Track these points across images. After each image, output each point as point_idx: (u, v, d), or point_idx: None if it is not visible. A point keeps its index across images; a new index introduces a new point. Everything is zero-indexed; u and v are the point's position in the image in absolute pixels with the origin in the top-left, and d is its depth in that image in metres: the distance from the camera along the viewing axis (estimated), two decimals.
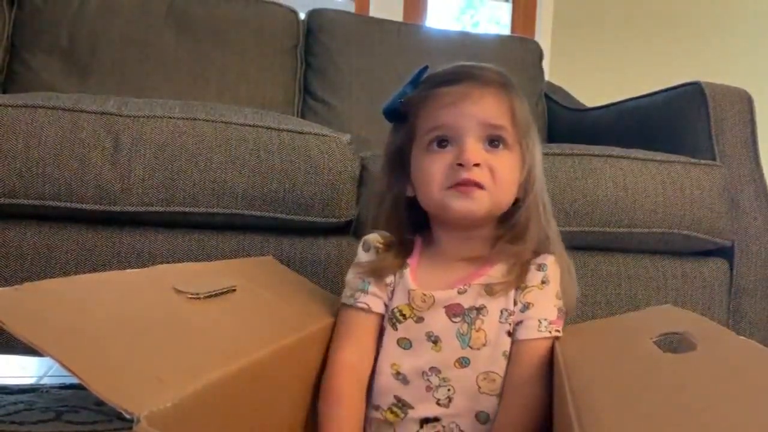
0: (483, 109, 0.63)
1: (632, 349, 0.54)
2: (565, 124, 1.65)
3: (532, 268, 0.64)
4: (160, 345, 0.46)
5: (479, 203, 0.63)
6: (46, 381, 1.14)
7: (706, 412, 0.36)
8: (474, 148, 0.63)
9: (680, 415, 0.36)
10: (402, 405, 0.63)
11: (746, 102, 1.18)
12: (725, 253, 1.11)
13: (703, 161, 1.09)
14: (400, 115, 0.69)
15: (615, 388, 0.44)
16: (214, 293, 0.59)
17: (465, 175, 0.62)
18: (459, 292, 0.64)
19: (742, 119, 1.17)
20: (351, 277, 0.69)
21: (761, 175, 1.16)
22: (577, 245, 1.04)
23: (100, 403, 0.96)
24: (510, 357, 0.62)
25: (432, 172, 0.64)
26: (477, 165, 0.62)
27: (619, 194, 1.01)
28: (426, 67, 0.69)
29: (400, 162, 0.70)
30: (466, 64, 0.67)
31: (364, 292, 0.67)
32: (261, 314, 0.63)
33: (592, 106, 1.58)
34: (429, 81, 0.67)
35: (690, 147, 1.16)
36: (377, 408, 0.65)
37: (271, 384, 0.54)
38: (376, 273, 0.68)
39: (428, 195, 0.65)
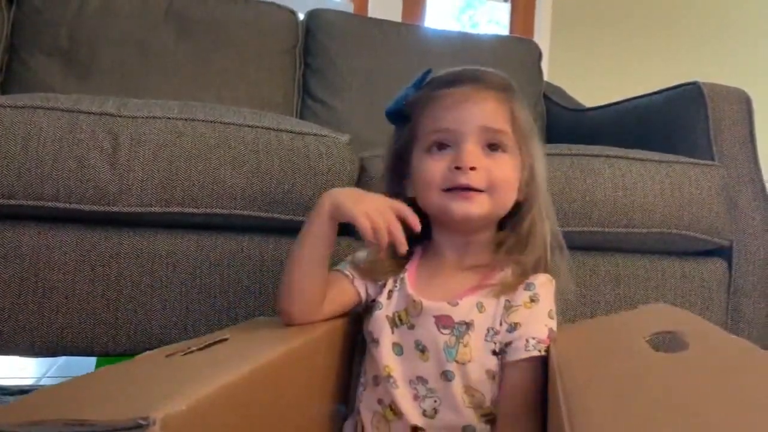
0: (483, 112, 0.64)
1: (625, 348, 0.54)
2: (564, 124, 1.65)
3: (520, 287, 0.63)
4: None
5: (479, 206, 0.63)
6: (45, 381, 1.14)
7: (699, 411, 0.36)
8: (472, 152, 0.63)
9: (672, 415, 0.36)
10: (394, 409, 0.63)
11: (745, 102, 1.18)
12: (724, 253, 1.11)
13: (701, 161, 1.09)
14: (402, 117, 0.69)
15: (608, 388, 0.44)
16: None
17: (462, 179, 0.63)
18: (451, 304, 0.63)
19: (740, 119, 1.17)
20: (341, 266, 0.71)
21: (759, 175, 1.16)
22: (576, 245, 1.04)
23: None
24: (502, 382, 0.61)
25: (431, 174, 0.65)
26: (474, 169, 0.63)
27: (618, 194, 1.01)
28: (430, 70, 0.69)
29: (400, 164, 0.70)
30: (469, 68, 0.68)
31: (350, 275, 0.69)
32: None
33: (591, 107, 1.58)
34: (431, 83, 0.67)
35: (688, 147, 1.16)
36: (380, 402, 0.65)
37: (282, 387, 0.54)
38: (370, 275, 0.69)
39: (427, 197, 0.66)
